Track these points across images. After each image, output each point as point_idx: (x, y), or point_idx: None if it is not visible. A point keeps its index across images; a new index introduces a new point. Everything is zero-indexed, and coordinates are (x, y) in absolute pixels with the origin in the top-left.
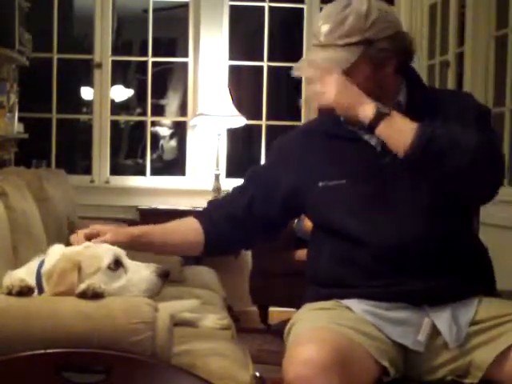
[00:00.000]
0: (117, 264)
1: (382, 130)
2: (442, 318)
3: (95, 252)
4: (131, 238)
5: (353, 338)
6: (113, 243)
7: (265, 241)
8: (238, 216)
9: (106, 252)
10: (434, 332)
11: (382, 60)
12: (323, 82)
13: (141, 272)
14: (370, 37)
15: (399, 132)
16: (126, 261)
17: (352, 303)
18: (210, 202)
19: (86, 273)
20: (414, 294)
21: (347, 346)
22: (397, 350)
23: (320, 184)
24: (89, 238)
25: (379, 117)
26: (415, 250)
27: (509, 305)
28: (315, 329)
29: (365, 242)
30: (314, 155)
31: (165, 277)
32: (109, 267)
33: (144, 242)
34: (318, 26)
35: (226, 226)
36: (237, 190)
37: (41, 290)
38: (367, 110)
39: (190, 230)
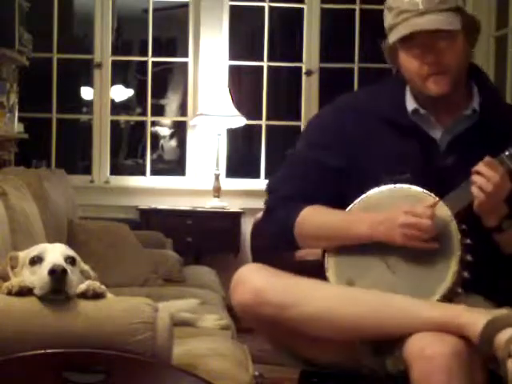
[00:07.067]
0: (38, 259)
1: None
2: None
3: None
4: None
5: None
6: None
7: None
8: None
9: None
10: None
11: (474, 35)
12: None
13: (43, 270)
14: (460, 5)
15: None
16: (49, 256)
17: None
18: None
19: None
20: None
21: None
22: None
23: (383, 175)
24: None
25: (499, 230)
26: None
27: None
28: None
29: None
30: (373, 142)
31: (52, 273)
32: (30, 262)
33: None
34: None
35: None
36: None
37: None
38: (491, 221)
39: None
